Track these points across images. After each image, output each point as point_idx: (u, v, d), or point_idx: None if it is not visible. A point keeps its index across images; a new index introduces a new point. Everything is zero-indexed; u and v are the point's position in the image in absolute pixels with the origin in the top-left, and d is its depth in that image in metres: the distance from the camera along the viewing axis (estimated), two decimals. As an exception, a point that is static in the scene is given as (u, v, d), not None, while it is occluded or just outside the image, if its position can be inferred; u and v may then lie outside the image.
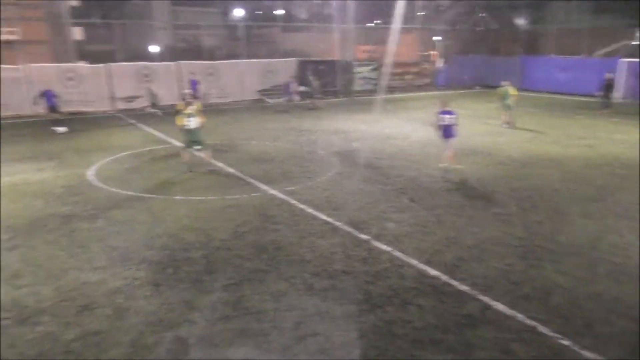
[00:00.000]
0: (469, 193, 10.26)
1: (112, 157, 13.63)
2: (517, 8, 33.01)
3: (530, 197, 9.91)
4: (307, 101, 23.54)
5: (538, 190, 10.31)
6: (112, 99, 23.26)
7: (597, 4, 28.66)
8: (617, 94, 23.51)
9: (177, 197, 9.98)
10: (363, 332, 5.28)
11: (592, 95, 22.10)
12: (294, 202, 9.59)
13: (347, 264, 6.89)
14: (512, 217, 8.76)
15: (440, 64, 34.76)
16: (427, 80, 33.20)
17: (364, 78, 29.81)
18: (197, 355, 4.94)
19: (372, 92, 29.58)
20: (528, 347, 5.03)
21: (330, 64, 29.12)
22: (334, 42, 34.14)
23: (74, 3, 40.14)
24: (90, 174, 11.86)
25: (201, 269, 6.76)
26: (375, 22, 41.44)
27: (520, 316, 5.54)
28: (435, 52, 36.70)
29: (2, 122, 20.07)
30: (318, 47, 37.39)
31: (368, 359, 4.87)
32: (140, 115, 20.91)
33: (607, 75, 20.81)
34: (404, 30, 34.08)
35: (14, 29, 34.75)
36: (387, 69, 29.61)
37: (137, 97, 22.95)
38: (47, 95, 17.79)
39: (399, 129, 17.59)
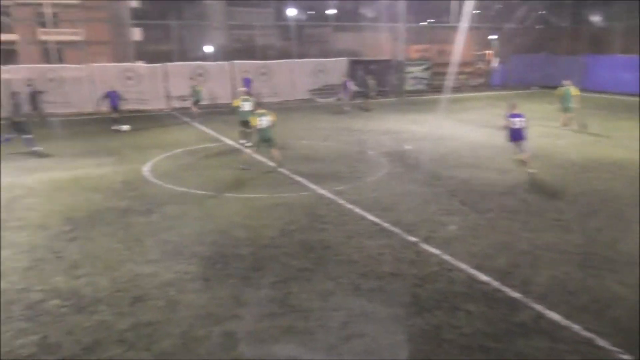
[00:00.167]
0: (524, 197, 9.90)
1: (167, 154, 14.06)
2: (582, 5, 31.64)
3: (590, 202, 9.47)
4: (360, 101, 23.37)
5: (599, 196, 9.82)
6: (168, 97, 24.01)
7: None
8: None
9: (228, 194, 10.17)
10: (410, 335, 5.19)
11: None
12: (342, 201, 9.56)
13: (395, 266, 6.81)
14: (570, 223, 8.39)
15: (495, 63, 33.81)
16: (481, 80, 32.38)
17: (415, 78, 29.41)
18: (244, 350, 5.00)
19: (423, 92, 29.17)
20: None
21: (382, 63, 28.87)
22: (385, 42, 33.88)
23: (134, 4, 41.73)
24: (146, 170, 12.28)
25: (249, 266, 6.85)
26: (428, 21, 40.82)
27: (576, 327, 5.29)
28: (490, 51, 35.74)
29: (65, 118, 21.13)
30: (369, 46, 37.21)
31: (414, 364, 4.79)
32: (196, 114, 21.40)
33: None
34: (458, 29, 33.33)
35: (78, 30, 36.51)
36: (439, 69, 29.10)
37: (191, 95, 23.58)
38: (110, 96, 18.48)
39: (451, 130, 17.24)
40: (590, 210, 9.00)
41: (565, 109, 16.95)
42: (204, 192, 10.30)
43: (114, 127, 18.04)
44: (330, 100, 24.94)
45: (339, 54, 30.63)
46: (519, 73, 31.51)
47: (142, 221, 8.68)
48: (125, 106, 19.35)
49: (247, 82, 22.44)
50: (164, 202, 9.69)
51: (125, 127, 18.07)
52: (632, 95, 25.50)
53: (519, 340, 5.09)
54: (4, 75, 21.43)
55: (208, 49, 42.00)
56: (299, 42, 29.47)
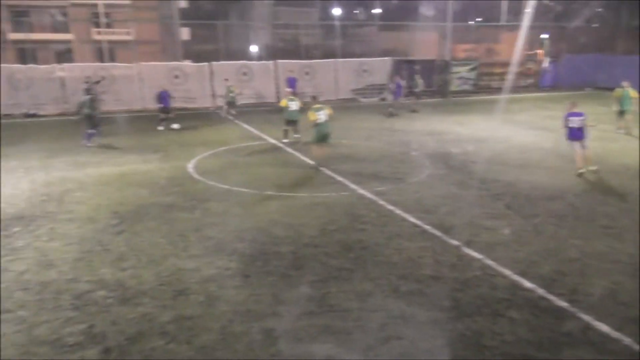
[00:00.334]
0: (573, 202, 9.53)
1: (210, 152, 14.32)
2: None
3: (644, 209, 9.02)
4: (407, 101, 23.08)
5: (654, 203, 9.35)
6: (213, 96, 24.48)
7: None
8: None
9: (269, 192, 10.26)
10: (449, 340, 5.08)
11: None
12: (382, 202, 9.48)
13: (435, 269, 6.69)
14: (622, 231, 8.01)
15: (546, 63, 32.73)
16: (531, 81, 31.45)
17: (461, 78, 28.87)
18: (282, 347, 5.03)
19: (470, 92, 28.58)
20: (635, 374, 4.57)
21: (427, 63, 28.49)
22: (431, 41, 33.40)
23: (183, 4, 42.76)
24: (191, 167, 12.55)
25: (289, 264, 6.88)
26: (475, 20, 39.97)
27: (627, 340, 5.04)
28: (541, 51, 34.64)
29: (115, 116, 21.87)
30: (415, 46, 36.77)
31: (454, 370, 4.68)
32: (237, 113, 21.73)
33: None
34: (508, 29, 32.48)
35: (129, 30, 37.74)
36: (487, 69, 28.44)
37: (237, 94, 23.93)
38: (162, 95, 18.78)
39: (498, 132, 16.81)
40: (644, 218, 8.57)
41: (623, 112, 16.22)
42: (246, 190, 10.43)
43: (160, 127, 18.34)
44: (374, 100, 24.77)
45: (384, 53, 30.45)
46: (572, 73, 30.38)
47: (185, 217, 8.87)
48: (172, 104, 19.81)
49: (292, 82, 22.55)
50: (207, 199, 9.87)
51: (176, 126, 18.49)
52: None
53: (564, 351, 4.89)
54: (59, 73, 22.39)
55: (253, 48, 42.59)
56: (343, 42, 29.42)
